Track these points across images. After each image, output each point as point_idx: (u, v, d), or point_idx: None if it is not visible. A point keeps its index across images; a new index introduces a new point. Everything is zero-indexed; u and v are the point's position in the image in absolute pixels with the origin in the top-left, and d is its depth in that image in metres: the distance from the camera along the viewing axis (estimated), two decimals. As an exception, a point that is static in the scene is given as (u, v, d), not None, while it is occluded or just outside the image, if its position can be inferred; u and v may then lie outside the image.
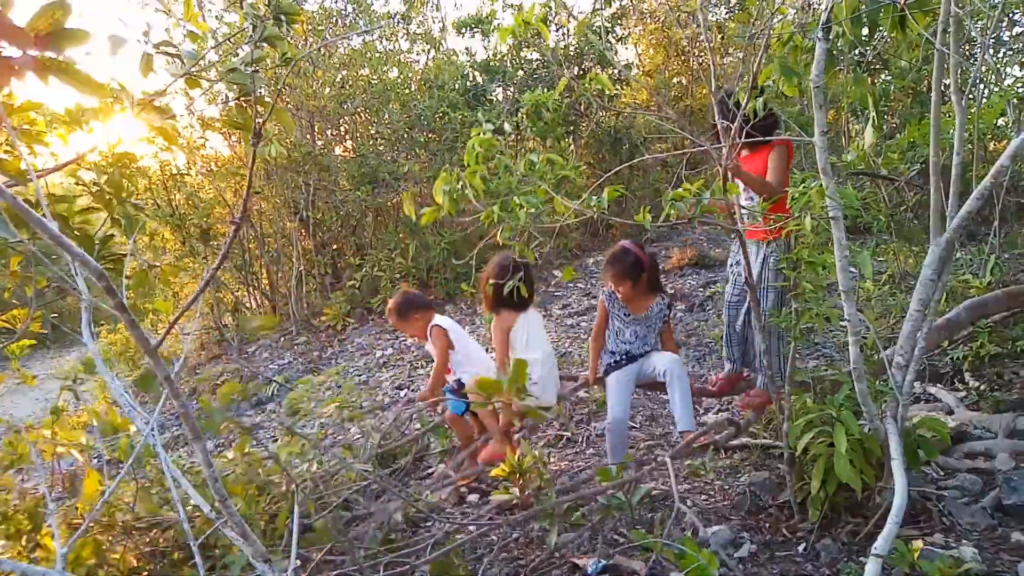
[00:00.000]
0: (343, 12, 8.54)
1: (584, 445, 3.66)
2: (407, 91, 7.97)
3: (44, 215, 1.30)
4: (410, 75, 8.62)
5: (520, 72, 8.37)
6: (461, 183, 2.31)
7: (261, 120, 1.73)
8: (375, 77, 7.98)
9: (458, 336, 3.32)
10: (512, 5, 8.39)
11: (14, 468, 2.37)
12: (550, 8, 8.00)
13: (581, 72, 8.00)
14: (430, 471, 3.55)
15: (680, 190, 2.11)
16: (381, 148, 8.05)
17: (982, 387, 3.54)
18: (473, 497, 3.18)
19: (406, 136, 7.84)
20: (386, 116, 7.86)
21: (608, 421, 2.99)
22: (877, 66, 5.72)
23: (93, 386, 5.48)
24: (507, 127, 3.33)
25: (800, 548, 2.40)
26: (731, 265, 3.16)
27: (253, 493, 2.34)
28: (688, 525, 2.64)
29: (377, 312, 7.09)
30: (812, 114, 2.11)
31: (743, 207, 2.67)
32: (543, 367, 3.08)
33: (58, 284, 1.96)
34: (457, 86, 8.03)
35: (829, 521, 2.45)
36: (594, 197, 2.21)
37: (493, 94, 8.38)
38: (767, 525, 2.60)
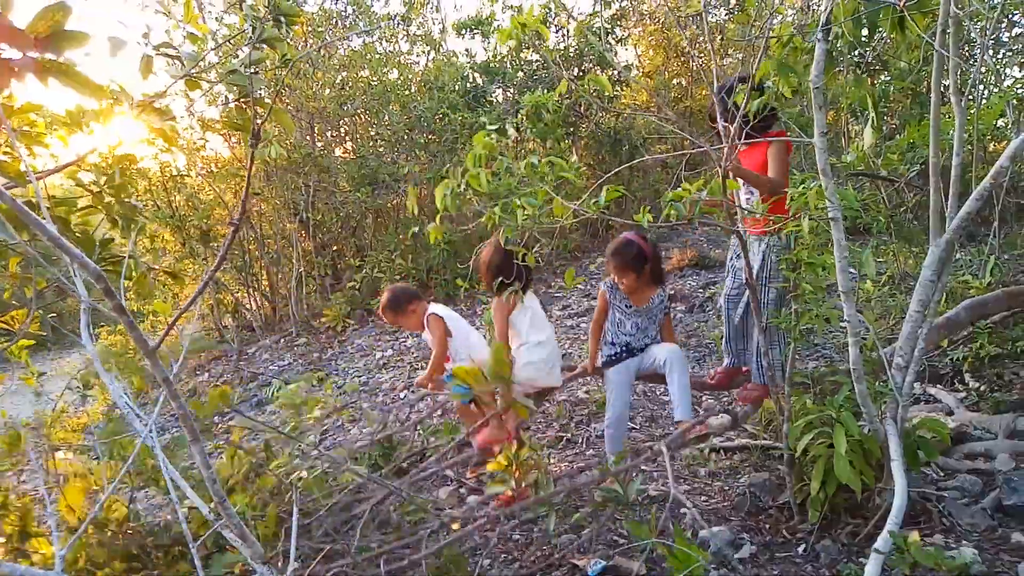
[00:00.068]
0: (343, 13, 8.55)
1: (584, 446, 3.66)
2: (407, 92, 7.97)
3: (44, 217, 1.30)
4: (410, 76, 8.62)
5: (520, 73, 8.37)
6: (462, 185, 2.31)
7: (260, 121, 1.74)
8: (375, 78, 7.98)
9: (455, 323, 3.32)
10: (512, 6, 8.39)
11: (12, 471, 2.36)
12: (550, 9, 8.02)
13: (581, 73, 8.00)
14: (432, 471, 3.54)
15: (679, 190, 2.11)
16: (381, 149, 8.05)
17: (982, 388, 3.54)
18: (473, 498, 3.18)
19: (406, 137, 7.84)
20: (386, 117, 7.86)
21: (608, 416, 3.01)
22: (876, 67, 5.72)
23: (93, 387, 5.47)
24: (511, 130, 3.33)
25: (800, 549, 2.40)
26: (731, 259, 3.16)
27: (253, 494, 2.34)
28: (688, 526, 2.64)
29: (377, 313, 7.08)
30: (812, 115, 2.11)
31: (742, 206, 2.67)
32: (548, 347, 3.06)
33: (58, 285, 1.96)
34: (457, 87, 8.03)
35: (829, 522, 2.45)
36: (593, 198, 2.21)
37: (493, 95, 8.38)
38: (767, 526, 2.60)
